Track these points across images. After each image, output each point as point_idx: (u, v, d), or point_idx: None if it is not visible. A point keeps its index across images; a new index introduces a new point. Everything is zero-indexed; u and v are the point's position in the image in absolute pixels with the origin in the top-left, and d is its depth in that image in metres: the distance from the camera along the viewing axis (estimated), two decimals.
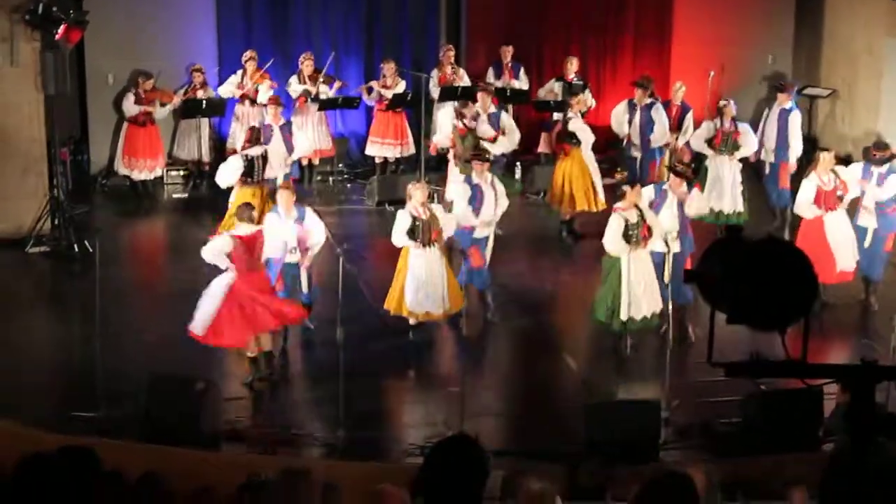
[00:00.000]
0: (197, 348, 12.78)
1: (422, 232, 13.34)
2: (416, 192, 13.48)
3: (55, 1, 16.03)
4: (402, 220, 13.38)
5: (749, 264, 4.04)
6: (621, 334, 13.38)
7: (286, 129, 16.87)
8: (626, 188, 13.57)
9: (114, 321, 12.96)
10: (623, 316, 13.12)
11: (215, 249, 12.54)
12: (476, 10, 20.98)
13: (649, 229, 13.24)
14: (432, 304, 13.36)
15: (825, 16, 21.58)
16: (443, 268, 13.42)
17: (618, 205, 13.39)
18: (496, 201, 14.33)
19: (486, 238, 14.37)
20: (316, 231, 13.62)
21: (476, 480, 4.78)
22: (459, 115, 17.39)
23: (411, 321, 13.53)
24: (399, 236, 13.38)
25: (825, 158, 14.70)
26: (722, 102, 17.25)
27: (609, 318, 13.27)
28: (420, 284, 13.29)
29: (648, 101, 17.93)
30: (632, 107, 17.99)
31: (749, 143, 17.09)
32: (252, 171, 15.58)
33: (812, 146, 19.61)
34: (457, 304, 13.42)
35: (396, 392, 12.74)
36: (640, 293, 13.14)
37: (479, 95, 17.78)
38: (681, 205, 13.80)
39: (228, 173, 15.64)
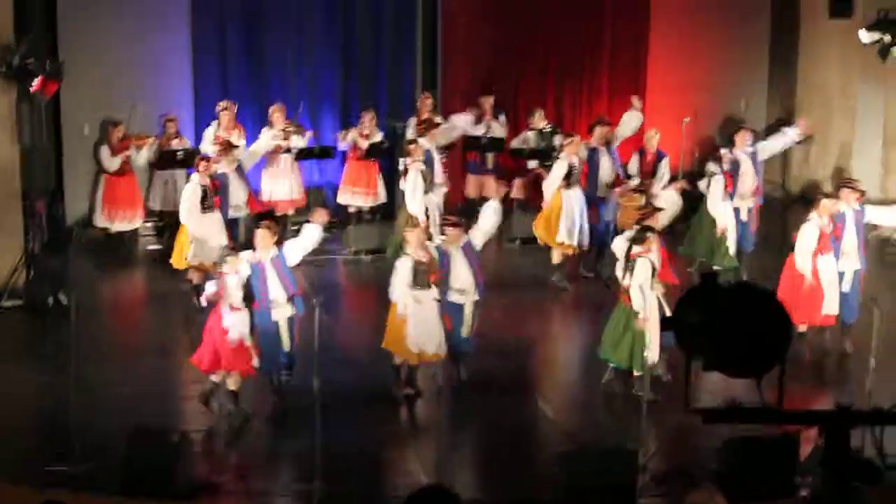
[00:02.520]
0: (172, 401, 12.78)
1: (421, 275, 13.28)
2: (412, 237, 13.43)
3: (31, 53, 16.02)
4: (404, 270, 13.25)
5: (723, 311, 4.03)
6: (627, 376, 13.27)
7: (238, 171, 17.22)
8: (648, 234, 13.46)
9: (89, 374, 12.88)
10: (653, 358, 12.98)
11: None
12: (452, 58, 21.03)
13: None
14: (431, 345, 13.25)
15: (799, 59, 21.70)
16: (438, 310, 13.31)
17: (637, 249, 13.31)
18: (470, 266, 13.81)
19: (463, 305, 13.77)
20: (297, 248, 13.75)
21: None
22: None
23: (397, 360, 13.43)
24: (400, 289, 13.20)
25: (827, 204, 14.55)
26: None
27: (630, 361, 13.16)
28: (422, 326, 13.20)
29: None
30: (594, 151, 18.04)
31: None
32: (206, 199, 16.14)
33: (787, 192, 19.77)
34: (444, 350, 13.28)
35: (374, 442, 12.65)
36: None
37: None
38: None
39: (187, 201, 16.21)
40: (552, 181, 17.32)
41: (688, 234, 17.25)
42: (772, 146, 18.08)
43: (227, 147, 17.24)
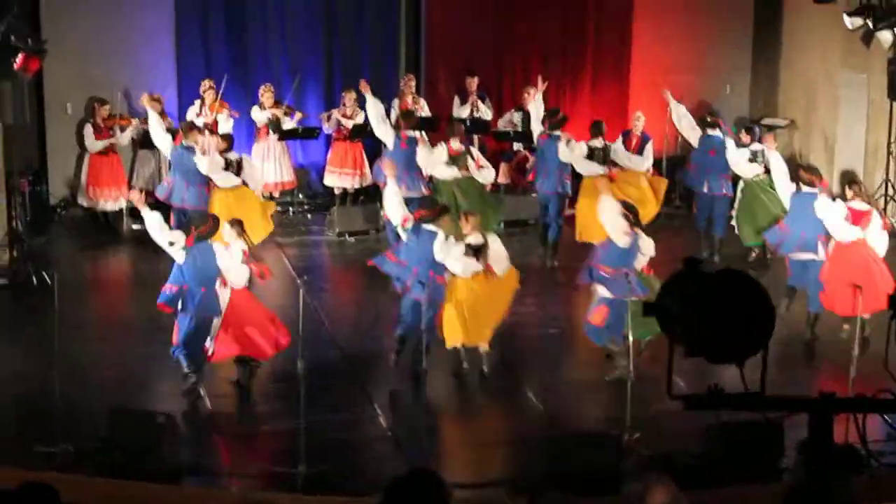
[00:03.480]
0: (157, 382, 12.76)
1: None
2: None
3: (13, 30, 15.93)
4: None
5: (706, 297, 4.04)
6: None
7: None
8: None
9: (73, 354, 12.85)
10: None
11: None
12: (436, 40, 21.02)
13: None
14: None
15: (782, 45, 21.73)
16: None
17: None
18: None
19: None
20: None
21: None
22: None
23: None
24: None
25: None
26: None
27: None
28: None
29: None
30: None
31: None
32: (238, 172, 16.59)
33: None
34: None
35: (358, 425, 12.63)
36: None
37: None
38: None
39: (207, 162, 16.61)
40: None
41: (750, 226, 17.16)
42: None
43: (190, 128, 17.24)
